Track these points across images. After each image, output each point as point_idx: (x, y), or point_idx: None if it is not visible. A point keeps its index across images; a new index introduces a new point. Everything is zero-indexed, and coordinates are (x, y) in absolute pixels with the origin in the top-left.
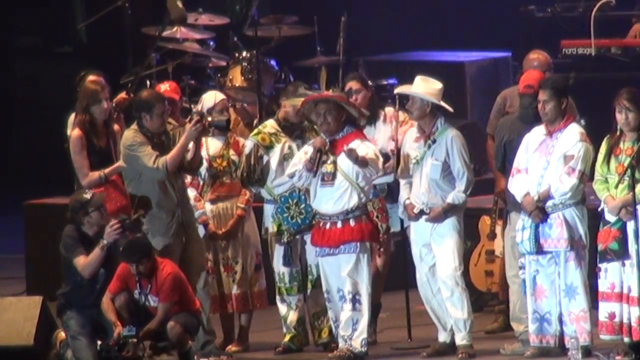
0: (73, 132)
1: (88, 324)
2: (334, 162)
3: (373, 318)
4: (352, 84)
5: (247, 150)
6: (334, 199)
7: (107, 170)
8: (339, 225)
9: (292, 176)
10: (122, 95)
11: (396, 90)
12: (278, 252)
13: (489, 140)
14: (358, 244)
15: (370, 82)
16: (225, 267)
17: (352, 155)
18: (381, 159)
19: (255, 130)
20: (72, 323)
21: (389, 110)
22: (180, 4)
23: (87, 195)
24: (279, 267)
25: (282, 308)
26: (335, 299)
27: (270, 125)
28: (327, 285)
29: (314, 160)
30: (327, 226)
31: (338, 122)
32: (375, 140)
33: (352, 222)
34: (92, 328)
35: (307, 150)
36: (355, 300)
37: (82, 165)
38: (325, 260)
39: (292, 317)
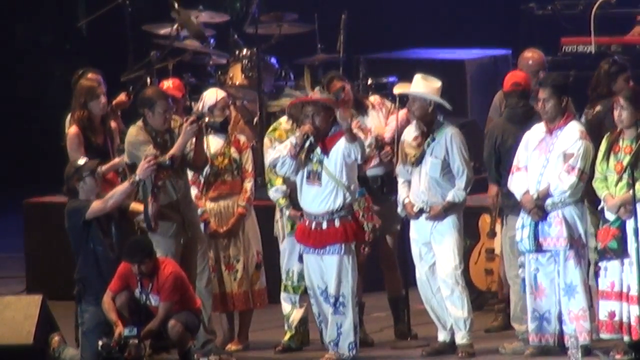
0: (70, 129)
1: (103, 323)
2: (321, 162)
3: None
4: (338, 83)
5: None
6: (319, 199)
7: (104, 168)
8: (324, 225)
9: (274, 164)
10: (122, 97)
11: (396, 91)
12: (290, 249)
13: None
14: (342, 245)
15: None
16: (226, 266)
17: (345, 120)
18: (366, 149)
19: (271, 128)
20: (88, 317)
21: (375, 98)
22: (194, 20)
23: (81, 162)
24: (289, 264)
25: (286, 306)
26: (317, 294)
27: (284, 121)
28: (309, 282)
29: (299, 147)
30: (313, 226)
31: (326, 124)
32: (370, 129)
33: (337, 223)
34: (105, 328)
35: (293, 141)
36: (338, 303)
37: None
38: (308, 257)
39: (295, 315)
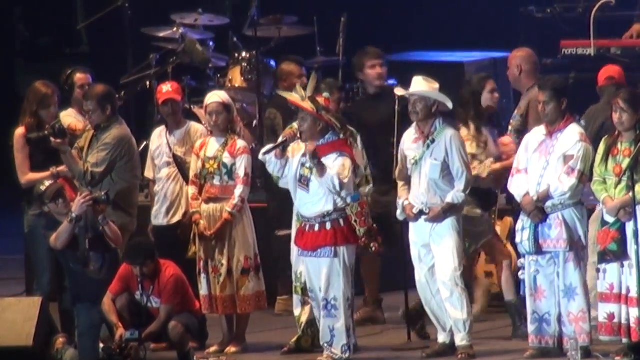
0: (17, 130)
1: (98, 325)
2: (311, 168)
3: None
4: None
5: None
6: (310, 203)
7: (59, 169)
8: (316, 228)
9: (264, 161)
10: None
11: (400, 92)
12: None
13: None
14: (332, 248)
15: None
16: (213, 269)
17: (313, 156)
18: (352, 180)
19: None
20: (82, 320)
21: None
22: (200, 48)
23: (42, 188)
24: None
25: (297, 308)
26: (318, 297)
27: (295, 123)
28: (310, 284)
29: (275, 147)
30: (307, 228)
31: (312, 132)
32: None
33: (328, 226)
34: (97, 330)
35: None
36: (330, 306)
37: (23, 165)
38: (308, 260)
39: (303, 318)
